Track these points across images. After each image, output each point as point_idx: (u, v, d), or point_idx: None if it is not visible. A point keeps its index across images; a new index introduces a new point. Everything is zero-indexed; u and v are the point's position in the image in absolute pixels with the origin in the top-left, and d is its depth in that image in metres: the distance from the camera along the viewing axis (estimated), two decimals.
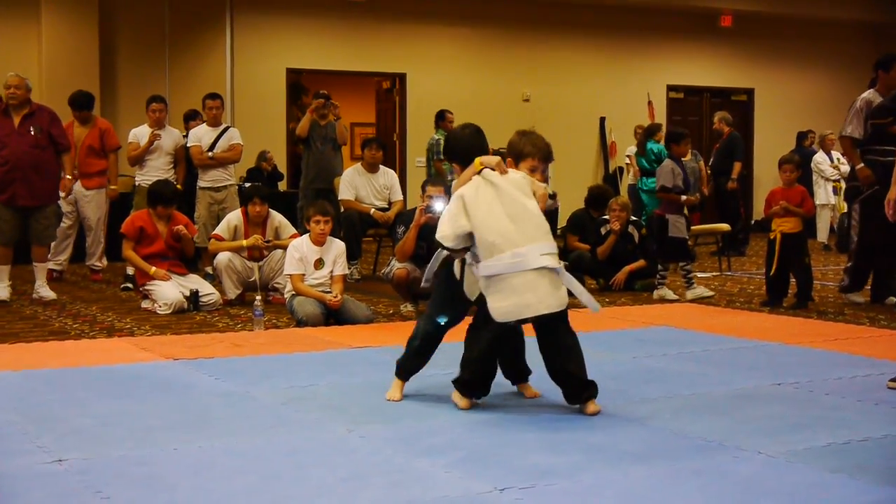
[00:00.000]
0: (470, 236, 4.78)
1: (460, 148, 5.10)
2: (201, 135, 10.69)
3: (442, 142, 13.28)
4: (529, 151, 5.12)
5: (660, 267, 9.54)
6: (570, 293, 4.84)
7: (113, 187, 10.36)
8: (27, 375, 5.71)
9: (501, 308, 4.70)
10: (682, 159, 9.78)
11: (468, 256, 4.90)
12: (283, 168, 15.87)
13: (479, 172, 4.89)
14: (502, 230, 4.72)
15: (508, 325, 4.79)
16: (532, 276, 4.68)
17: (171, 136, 10.58)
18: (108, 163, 10.56)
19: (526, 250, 4.69)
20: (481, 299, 4.86)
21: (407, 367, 5.17)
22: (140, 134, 10.51)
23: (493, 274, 4.70)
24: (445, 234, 4.84)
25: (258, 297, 7.71)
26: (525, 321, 4.82)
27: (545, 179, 5.09)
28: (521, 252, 4.68)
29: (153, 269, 8.55)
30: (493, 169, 4.87)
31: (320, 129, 11.23)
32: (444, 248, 4.89)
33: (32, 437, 4.36)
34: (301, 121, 11.49)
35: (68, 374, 5.76)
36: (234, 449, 4.20)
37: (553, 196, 5.10)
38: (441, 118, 13.33)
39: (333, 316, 7.70)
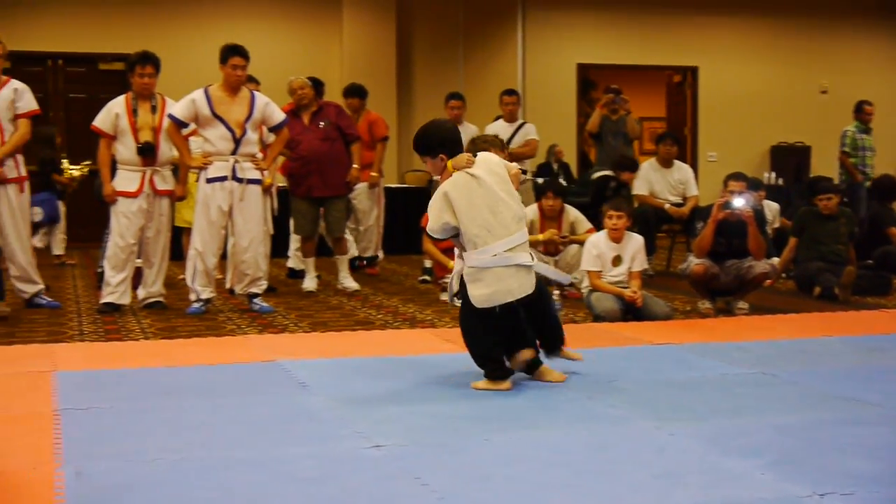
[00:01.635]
0: (455, 228, 5.19)
1: (433, 143, 5.34)
2: (498, 130, 10.84)
3: (850, 133, 12.87)
4: (483, 147, 5.69)
5: None
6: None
7: (373, 174, 10.54)
8: (340, 363, 5.96)
9: (484, 295, 5.13)
10: None
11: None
12: (573, 164, 15.90)
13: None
14: (484, 223, 5.13)
15: (494, 311, 5.16)
16: (514, 268, 5.14)
17: (468, 132, 10.75)
18: (375, 154, 10.65)
19: (508, 243, 5.13)
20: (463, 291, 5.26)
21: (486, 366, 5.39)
22: None
23: (481, 266, 5.11)
24: (432, 228, 5.28)
25: (556, 292, 7.75)
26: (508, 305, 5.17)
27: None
28: (506, 247, 5.13)
29: (451, 262, 8.74)
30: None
31: (612, 124, 11.23)
32: (431, 238, 5.38)
33: (349, 423, 4.55)
34: (591, 116, 11.52)
35: (377, 363, 5.97)
36: (543, 441, 4.25)
37: (525, 172, 5.48)
38: (859, 110, 13.03)
39: (632, 312, 7.66)
